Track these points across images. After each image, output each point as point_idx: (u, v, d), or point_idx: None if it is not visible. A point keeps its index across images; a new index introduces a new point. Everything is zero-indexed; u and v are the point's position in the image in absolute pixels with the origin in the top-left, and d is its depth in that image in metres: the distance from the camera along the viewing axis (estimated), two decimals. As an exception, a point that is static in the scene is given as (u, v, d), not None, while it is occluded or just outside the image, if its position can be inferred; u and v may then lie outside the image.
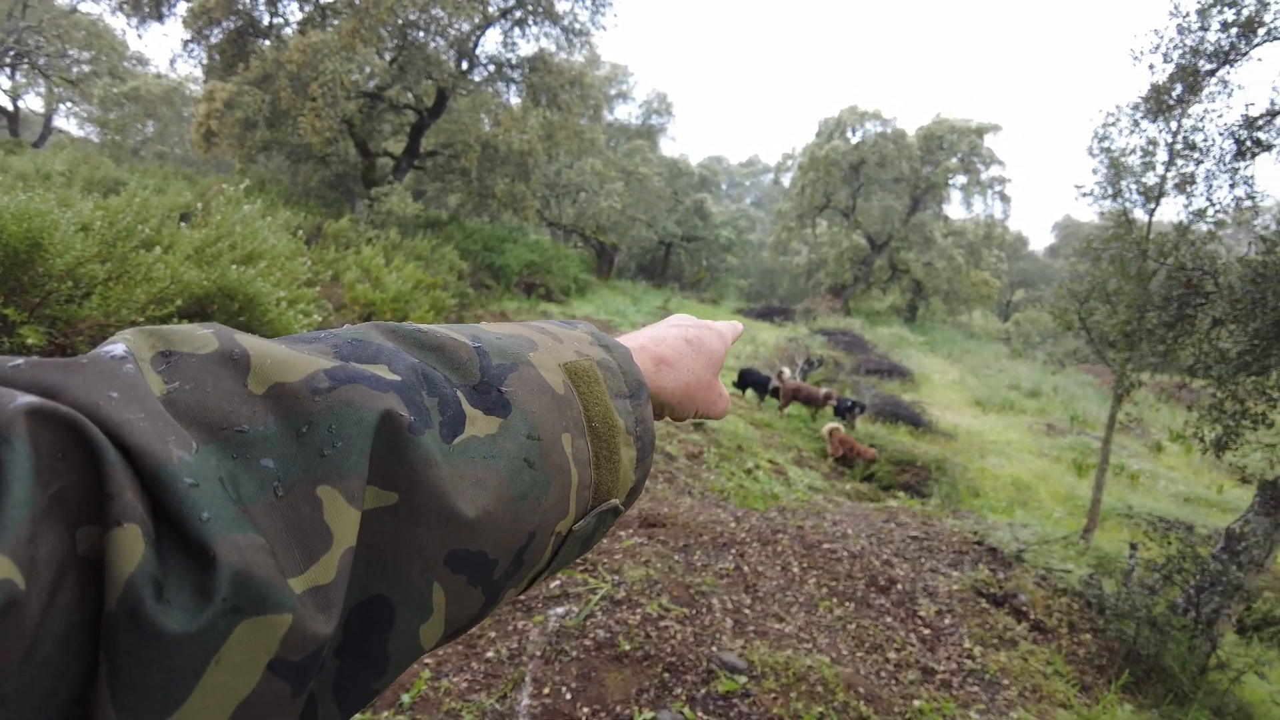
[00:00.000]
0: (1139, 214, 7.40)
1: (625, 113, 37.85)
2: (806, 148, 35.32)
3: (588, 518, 0.50)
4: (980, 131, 33.76)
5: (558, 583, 4.11)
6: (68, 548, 0.27)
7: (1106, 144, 7.17)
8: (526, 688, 3.21)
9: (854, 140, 34.23)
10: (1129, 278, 6.66)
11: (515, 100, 19.32)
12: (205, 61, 17.61)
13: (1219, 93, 5.76)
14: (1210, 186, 5.73)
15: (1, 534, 0.25)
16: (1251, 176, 5.34)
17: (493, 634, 3.57)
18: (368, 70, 16.70)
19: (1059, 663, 4.52)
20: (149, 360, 0.34)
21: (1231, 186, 5.60)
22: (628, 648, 3.56)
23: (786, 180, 39.38)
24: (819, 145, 34.14)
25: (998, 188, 35.30)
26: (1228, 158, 5.53)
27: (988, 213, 36.11)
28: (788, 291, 40.38)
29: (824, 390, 12.40)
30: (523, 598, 3.92)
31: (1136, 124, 6.57)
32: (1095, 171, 7.77)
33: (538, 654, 3.44)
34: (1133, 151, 6.91)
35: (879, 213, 34.23)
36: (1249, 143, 5.35)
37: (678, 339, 0.66)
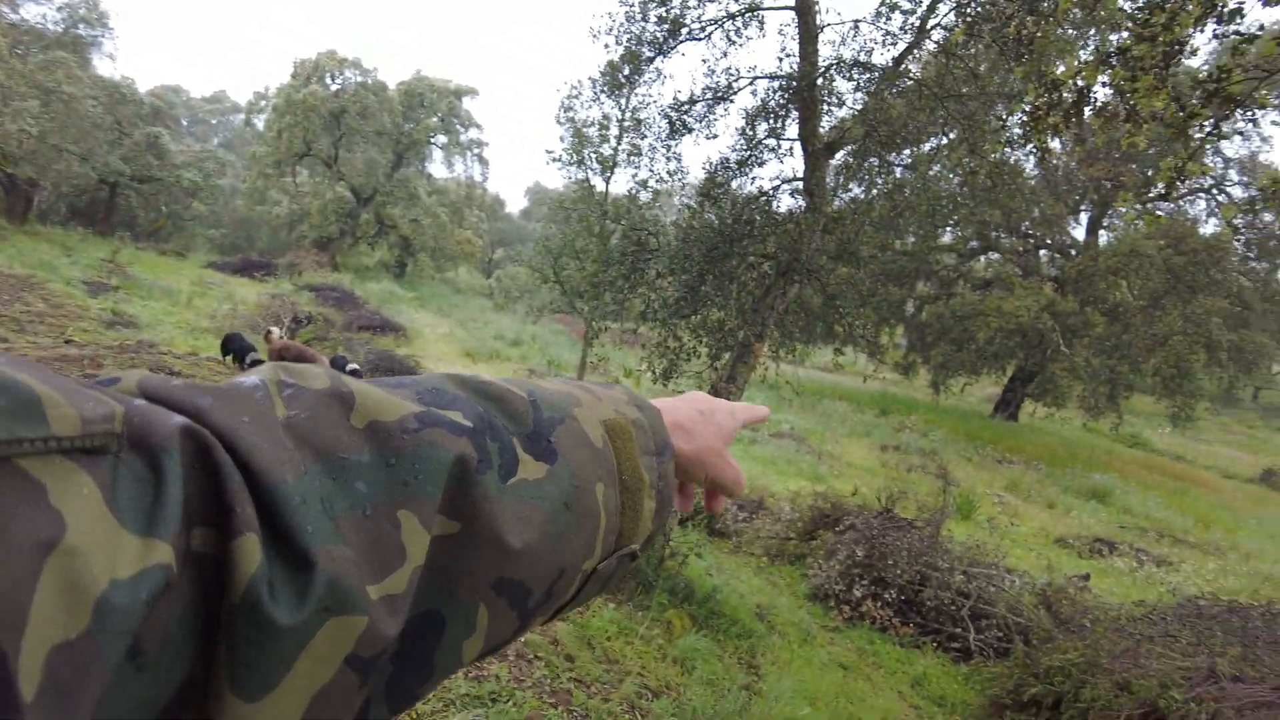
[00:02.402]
0: (598, 181, 8.46)
1: (37, 14, 29.94)
2: (282, 89, 32.46)
3: (610, 559, 0.55)
4: (458, 94, 34.99)
5: None
6: (187, 543, 0.32)
7: (571, 114, 8.00)
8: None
9: (334, 87, 32.55)
10: (593, 236, 7.59)
11: None
12: None
13: (655, 79, 6.81)
14: (652, 159, 6.75)
15: (165, 527, 0.31)
16: (680, 154, 6.49)
17: None
18: None
19: (553, 583, 4.98)
20: (276, 387, 0.40)
21: (667, 160, 6.69)
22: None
23: (260, 122, 35.73)
24: (296, 88, 31.67)
25: (476, 150, 37.18)
26: (664, 135, 6.57)
27: (468, 174, 37.87)
28: (268, 244, 36.97)
29: (320, 360, 11.65)
30: None
31: (597, 98, 7.42)
32: (562, 139, 8.64)
33: None
34: (592, 124, 7.84)
35: (363, 165, 33.29)
36: (678, 124, 6.43)
37: (691, 410, 0.69)
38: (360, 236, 34.15)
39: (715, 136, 6.29)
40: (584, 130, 7.92)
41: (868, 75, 6.68)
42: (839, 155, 7.50)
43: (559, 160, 8.57)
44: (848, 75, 6.55)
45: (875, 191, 8.33)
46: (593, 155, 7.96)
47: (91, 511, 0.28)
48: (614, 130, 7.71)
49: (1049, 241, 24.31)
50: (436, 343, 18.08)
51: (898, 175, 8.53)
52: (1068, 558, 9.64)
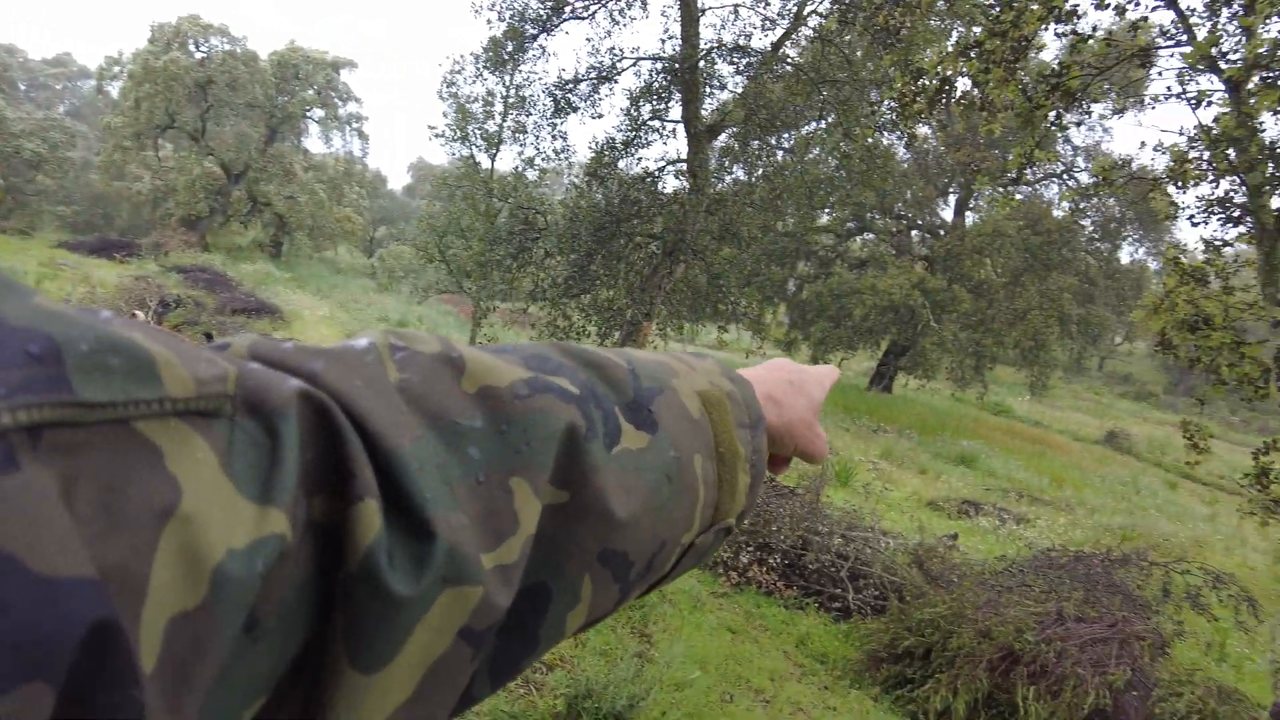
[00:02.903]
0: (483, 158, 8.33)
1: None
2: (139, 54, 30.12)
3: (707, 533, 0.54)
4: (336, 66, 33.47)
5: None
6: (306, 511, 0.31)
7: (454, 90, 7.82)
8: None
9: (198, 55, 30.47)
10: (479, 215, 7.48)
11: None
12: None
13: (539, 56, 6.75)
14: (538, 137, 6.71)
15: (281, 494, 0.29)
16: (566, 132, 6.48)
17: None
18: None
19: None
20: (387, 350, 0.39)
21: (553, 139, 6.67)
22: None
23: (115, 90, 33.09)
24: (155, 54, 29.45)
25: (355, 124, 35.75)
26: (548, 113, 6.54)
27: (347, 149, 36.38)
28: (129, 223, 34.27)
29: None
30: None
31: (480, 74, 7.28)
32: (445, 115, 8.43)
33: None
34: (476, 100, 7.70)
35: (234, 139, 31.39)
36: (563, 102, 6.41)
37: (781, 380, 0.68)
38: (232, 215, 32.24)
39: (600, 116, 6.39)
40: (468, 106, 7.79)
41: (747, 59, 6.87)
42: (721, 138, 7.70)
43: (442, 136, 8.39)
44: (728, 59, 6.73)
45: (757, 174, 8.58)
46: (477, 131, 7.83)
47: (207, 477, 0.27)
48: (498, 107, 7.62)
49: (920, 222, 25.63)
50: (316, 325, 17.37)
51: (779, 158, 8.81)
52: (938, 519, 10.27)
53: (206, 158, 30.65)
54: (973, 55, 4.49)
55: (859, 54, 9.16)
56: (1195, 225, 4.93)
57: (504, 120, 7.52)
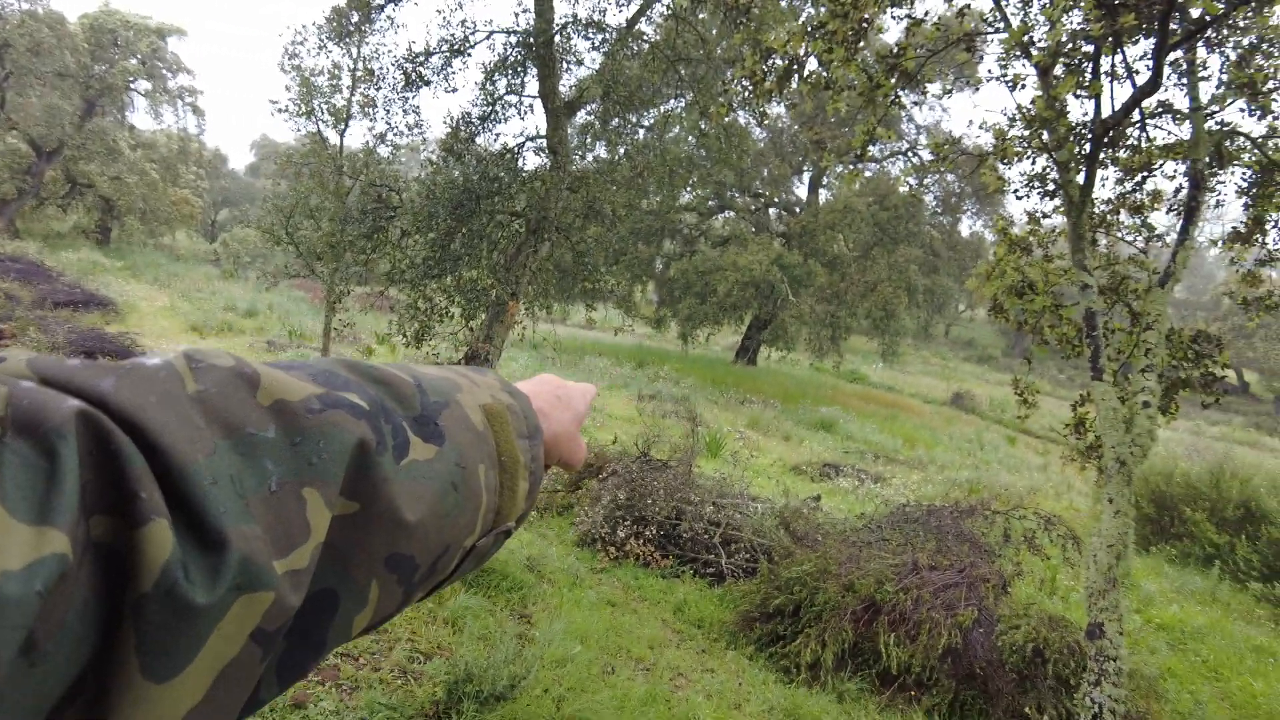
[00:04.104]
0: (331, 134, 7.91)
1: None
2: (-84, 15, 26.57)
3: (488, 536, 0.57)
4: (161, 33, 30.80)
5: None
6: (85, 532, 0.31)
7: (297, 62, 7.36)
8: None
9: (-9, 16, 27.20)
10: (329, 193, 7.11)
11: None
12: None
13: (388, 28, 6.46)
14: (388, 112, 6.43)
15: (59, 515, 0.29)
16: (419, 106, 6.24)
17: None
18: None
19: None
20: (184, 361, 0.40)
21: (405, 113, 6.41)
22: None
23: (-111, 56, 29.06)
24: (-63, 15, 26.07)
25: (189, 99, 33.08)
26: (399, 87, 6.27)
27: (181, 126, 33.67)
28: (-85, 208, 30.46)
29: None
30: None
31: (323, 45, 6.88)
32: (289, 89, 7.93)
33: None
34: (321, 72, 7.28)
35: (43, 113, 28.32)
36: (414, 76, 6.16)
37: (550, 394, 0.72)
38: (47, 197, 29.16)
39: (455, 90, 6.17)
40: (312, 79, 7.35)
41: (603, 35, 6.84)
42: (581, 114, 7.65)
43: (286, 110, 7.90)
44: (584, 34, 6.67)
45: (619, 152, 8.59)
46: (324, 106, 7.41)
47: None
48: (345, 80, 7.24)
49: (777, 200, 26.52)
50: (155, 317, 16.08)
51: (640, 137, 8.86)
52: (802, 482, 10.76)
53: (9, 132, 27.46)
54: (817, 36, 4.65)
55: (713, 32, 9.32)
56: (1020, 199, 5.36)
57: (352, 94, 7.17)
